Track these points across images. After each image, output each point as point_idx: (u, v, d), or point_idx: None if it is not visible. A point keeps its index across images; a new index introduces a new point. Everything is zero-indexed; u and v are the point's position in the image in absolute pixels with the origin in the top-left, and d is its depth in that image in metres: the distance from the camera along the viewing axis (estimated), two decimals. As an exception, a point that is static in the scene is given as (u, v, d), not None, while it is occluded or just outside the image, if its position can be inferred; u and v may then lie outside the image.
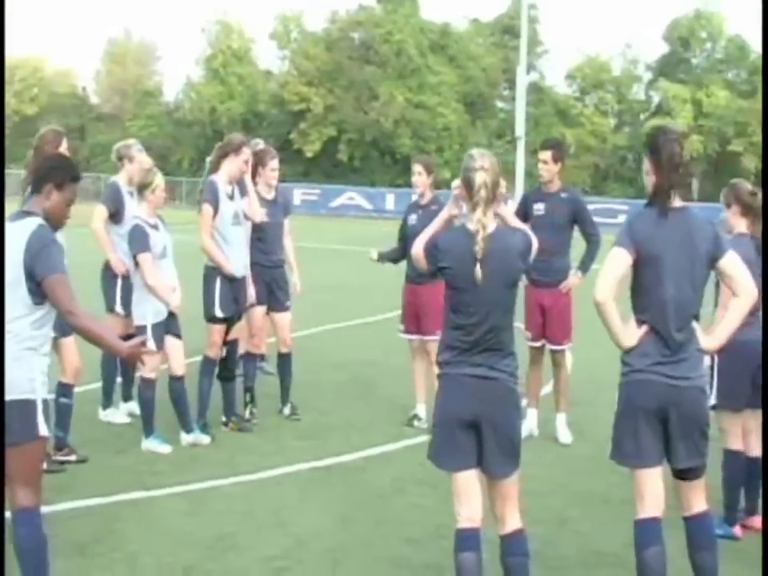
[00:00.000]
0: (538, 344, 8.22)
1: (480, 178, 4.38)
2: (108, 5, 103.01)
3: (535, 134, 53.94)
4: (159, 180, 7.32)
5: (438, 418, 4.49)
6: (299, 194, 48.74)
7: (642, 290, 4.53)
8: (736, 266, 4.54)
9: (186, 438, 7.61)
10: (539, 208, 8.11)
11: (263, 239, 8.41)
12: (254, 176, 8.56)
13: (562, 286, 8.00)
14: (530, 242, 4.51)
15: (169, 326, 7.39)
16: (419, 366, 8.48)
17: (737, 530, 6.04)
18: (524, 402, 8.39)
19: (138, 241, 7.20)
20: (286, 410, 8.61)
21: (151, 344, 7.24)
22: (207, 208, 7.71)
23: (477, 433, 4.40)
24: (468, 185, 4.43)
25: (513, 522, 4.55)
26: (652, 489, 4.53)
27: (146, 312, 7.27)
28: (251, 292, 8.27)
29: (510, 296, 4.46)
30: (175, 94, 64.71)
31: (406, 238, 8.05)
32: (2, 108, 12.67)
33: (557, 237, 8.03)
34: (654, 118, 53.40)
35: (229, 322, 7.90)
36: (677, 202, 4.55)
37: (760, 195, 6.09)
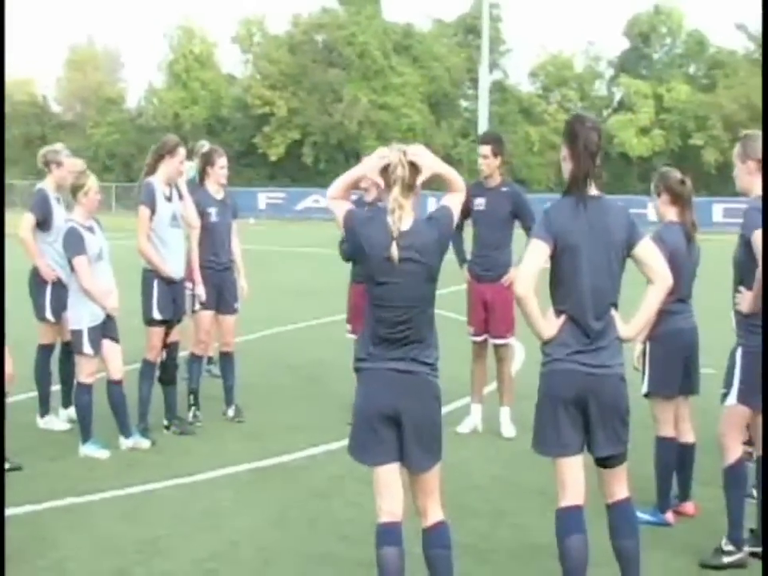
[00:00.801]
0: (480, 339, 8.20)
1: (395, 156, 4.33)
2: (69, 12, 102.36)
3: (500, 133, 54.20)
4: (92, 182, 7.23)
5: (358, 412, 4.43)
6: (264, 198, 48.62)
7: (560, 280, 4.51)
8: (651, 254, 4.53)
9: (125, 443, 7.53)
10: (480, 203, 8.08)
11: (212, 240, 8.35)
12: (202, 177, 8.53)
13: (504, 280, 7.97)
14: (450, 222, 4.40)
15: (106, 329, 7.30)
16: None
17: (669, 516, 6.05)
18: (468, 397, 8.43)
19: (74, 244, 7.11)
20: (230, 412, 8.54)
21: (87, 348, 7.19)
22: (144, 210, 7.65)
23: (397, 427, 4.36)
24: (383, 167, 4.38)
25: (434, 514, 4.51)
26: (573, 477, 4.51)
27: (82, 316, 7.18)
28: (200, 293, 8.24)
29: (431, 289, 4.41)
30: (137, 101, 64.38)
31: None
32: (2, 110, 12.49)
33: (498, 231, 8.03)
34: (617, 113, 53.77)
35: (168, 324, 7.83)
36: (593, 191, 4.54)
37: (689, 183, 6.09)
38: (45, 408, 8.16)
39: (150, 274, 7.70)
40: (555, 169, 54.08)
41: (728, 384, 5.51)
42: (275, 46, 58.49)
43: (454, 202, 4.49)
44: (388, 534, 4.39)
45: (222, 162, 8.50)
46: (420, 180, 4.41)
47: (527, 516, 6.19)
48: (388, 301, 4.33)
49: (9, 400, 6.98)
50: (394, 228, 4.27)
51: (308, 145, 56.24)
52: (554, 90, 56.19)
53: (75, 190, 7.21)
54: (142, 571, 5.30)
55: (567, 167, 4.57)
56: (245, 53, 61.29)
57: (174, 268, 7.75)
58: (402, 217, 4.29)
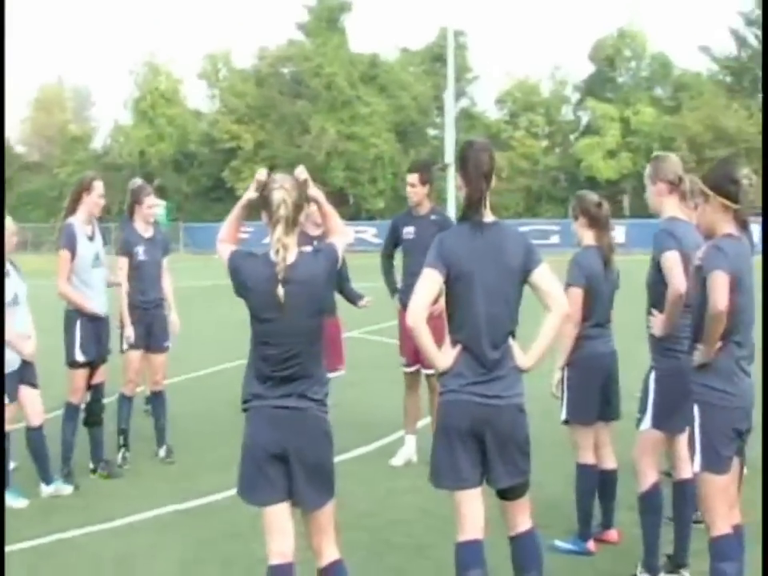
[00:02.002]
0: (412, 369, 8.11)
1: (278, 195, 4.24)
2: (38, 52, 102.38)
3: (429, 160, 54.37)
4: (8, 224, 7.10)
5: (246, 452, 4.33)
6: (232, 232, 48.30)
7: (455, 308, 4.43)
8: (547, 280, 4.43)
9: (45, 490, 7.37)
10: (409, 231, 8.03)
11: (141, 278, 8.25)
12: (131, 214, 8.44)
13: (433, 309, 7.86)
14: (335, 258, 4.35)
15: (23, 375, 7.15)
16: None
17: (590, 544, 5.95)
18: (402, 430, 8.34)
19: None
20: (162, 453, 8.40)
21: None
22: (65, 253, 7.54)
23: (285, 465, 4.26)
24: (266, 203, 4.28)
25: (329, 554, 4.41)
26: (471, 511, 4.42)
27: (-5, 362, 7.04)
28: (128, 334, 8.14)
29: (317, 324, 4.33)
30: (104, 139, 64.30)
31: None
32: (2, 112, 12.34)
33: (427, 260, 7.96)
34: (584, 137, 53.98)
35: (91, 365, 7.70)
36: (489, 217, 4.47)
37: (606, 206, 6.04)
38: None
39: (73, 314, 7.59)
40: (524, 195, 54.44)
41: (642, 409, 5.45)
42: (241, 80, 58.56)
43: (340, 242, 4.43)
44: (279, 575, 4.28)
45: (149, 200, 8.41)
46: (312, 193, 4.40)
47: (447, 549, 6.06)
48: (273, 337, 4.24)
49: None
50: (279, 263, 4.18)
51: (276, 178, 56.21)
52: (521, 116, 56.34)
53: (-16, 232, 7.08)
54: (43, 623, 5.16)
55: (462, 194, 4.50)
56: (211, 87, 61.36)
57: (98, 307, 7.64)
58: (287, 255, 4.21)
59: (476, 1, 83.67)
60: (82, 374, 7.66)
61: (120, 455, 8.21)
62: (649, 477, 5.43)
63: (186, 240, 51.22)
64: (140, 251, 8.24)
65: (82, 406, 7.84)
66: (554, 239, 39.46)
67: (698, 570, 5.24)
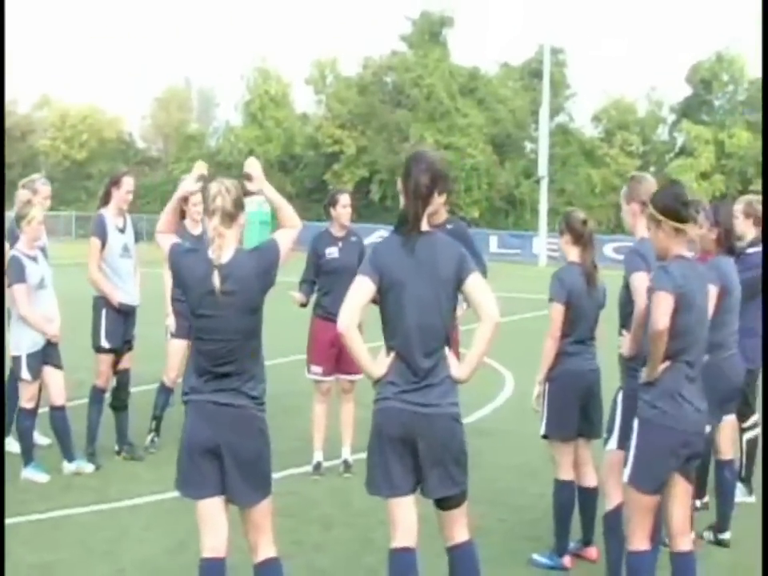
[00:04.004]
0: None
1: (215, 187, 4.26)
2: (166, 56, 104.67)
3: (562, 174, 53.74)
4: (35, 212, 7.25)
5: (182, 445, 4.33)
6: (331, 233, 48.71)
7: (388, 317, 4.33)
8: (479, 289, 4.28)
9: (67, 467, 7.49)
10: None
11: None
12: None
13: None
14: (273, 255, 4.30)
15: (47, 355, 7.29)
16: (324, 410, 7.92)
17: (566, 560, 5.79)
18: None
19: (14, 272, 7.13)
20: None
21: (26, 374, 7.19)
22: (95, 241, 7.71)
23: (219, 460, 4.23)
24: (204, 195, 4.30)
25: (265, 550, 4.37)
26: (404, 518, 4.32)
27: (21, 342, 7.19)
28: (169, 323, 8.24)
29: (252, 321, 4.28)
30: (215, 138, 65.34)
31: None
32: (2, 112, 12.76)
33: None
34: (678, 158, 52.82)
35: (116, 352, 7.81)
36: (424, 227, 4.36)
37: (591, 224, 5.89)
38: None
39: (100, 302, 7.72)
40: (616, 210, 53.43)
41: (609, 428, 5.29)
42: (345, 87, 58.89)
43: (284, 236, 4.37)
44: (209, 570, 4.27)
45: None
46: (252, 188, 4.32)
47: (427, 553, 5.96)
48: (208, 334, 4.22)
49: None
50: (215, 260, 4.17)
51: (375, 182, 56.35)
52: (617, 134, 55.37)
53: (19, 219, 7.24)
54: (19, 595, 5.24)
55: (401, 202, 4.42)
56: (317, 93, 61.86)
57: (124, 296, 7.75)
58: (223, 247, 4.19)
59: (577, 20, 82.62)
60: (107, 359, 7.78)
61: (149, 439, 8.29)
62: (614, 497, 5.25)
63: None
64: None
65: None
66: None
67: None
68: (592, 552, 5.90)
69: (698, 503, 6.69)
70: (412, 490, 4.32)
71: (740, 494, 6.82)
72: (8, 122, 64.40)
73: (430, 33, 57.04)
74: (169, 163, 63.18)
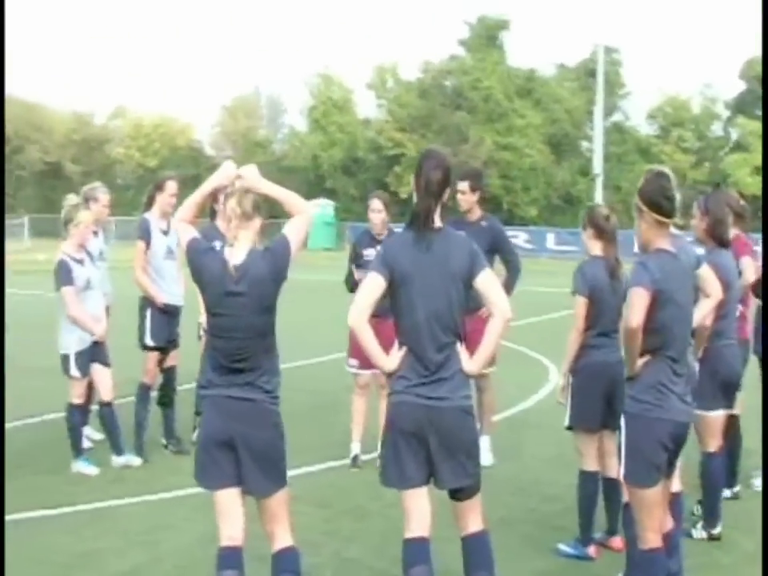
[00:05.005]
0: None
1: (235, 189, 4.27)
2: (234, 65, 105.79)
3: (617, 172, 53.02)
4: (82, 216, 7.33)
5: (200, 438, 4.39)
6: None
7: (399, 312, 4.30)
8: (490, 285, 4.25)
9: (116, 461, 7.58)
10: (461, 236, 7.85)
11: None
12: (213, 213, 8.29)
13: (481, 312, 7.66)
14: (285, 253, 4.28)
15: (95, 354, 7.38)
16: (363, 403, 7.94)
17: (591, 550, 5.69)
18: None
19: (62, 275, 7.21)
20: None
21: (74, 371, 7.29)
22: (140, 244, 7.80)
23: (233, 452, 4.24)
24: (226, 194, 4.32)
25: (282, 540, 4.36)
26: (418, 509, 4.27)
27: (69, 342, 7.28)
28: (201, 320, 8.19)
29: (265, 320, 4.28)
30: (280, 144, 65.82)
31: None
32: (2, 112, 12.93)
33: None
34: (733, 153, 51.82)
35: (162, 350, 7.87)
36: (437, 223, 4.31)
37: (614, 219, 5.79)
38: None
39: (145, 302, 7.80)
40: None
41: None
42: (406, 91, 58.87)
43: (293, 227, 4.35)
44: (227, 558, 4.28)
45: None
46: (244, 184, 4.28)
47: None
48: (223, 331, 4.23)
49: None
50: (230, 261, 4.18)
51: (435, 183, 56.38)
52: (672, 131, 54.51)
53: (67, 222, 7.32)
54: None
55: (414, 199, 4.36)
56: (379, 98, 61.91)
57: (169, 297, 7.81)
58: (239, 248, 4.20)
59: (631, 19, 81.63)
60: (153, 357, 7.85)
61: (195, 435, 8.32)
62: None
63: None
64: (216, 246, 8.29)
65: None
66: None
67: None
68: (617, 542, 5.77)
69: (727, 492, 6.53)
70: (425, 482, 4.28)
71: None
72: (86, 132, 66.00)
73: (487, 36, 56.81)
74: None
